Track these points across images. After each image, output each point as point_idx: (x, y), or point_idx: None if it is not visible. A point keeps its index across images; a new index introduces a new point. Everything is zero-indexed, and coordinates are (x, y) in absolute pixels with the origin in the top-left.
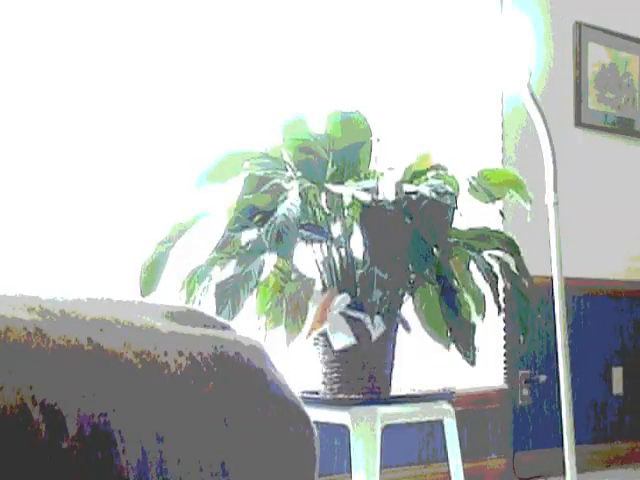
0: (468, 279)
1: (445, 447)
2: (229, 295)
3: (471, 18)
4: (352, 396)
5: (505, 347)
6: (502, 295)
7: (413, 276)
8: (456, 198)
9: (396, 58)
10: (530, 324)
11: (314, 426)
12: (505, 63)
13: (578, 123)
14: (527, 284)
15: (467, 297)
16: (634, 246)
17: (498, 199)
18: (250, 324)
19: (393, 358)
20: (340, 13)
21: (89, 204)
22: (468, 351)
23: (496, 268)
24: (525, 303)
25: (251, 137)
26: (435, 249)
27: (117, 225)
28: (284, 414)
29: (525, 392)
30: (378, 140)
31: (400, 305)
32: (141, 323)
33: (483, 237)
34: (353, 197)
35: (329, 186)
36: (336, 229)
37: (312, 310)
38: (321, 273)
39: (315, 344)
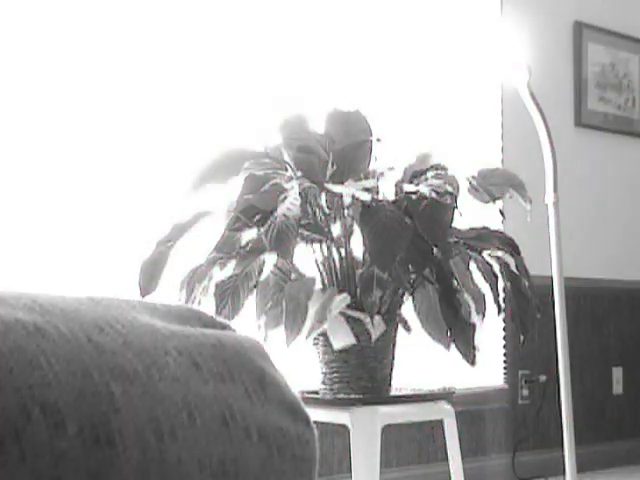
0: (468, 279)
1: (445, 447)
2: (229, 295)
3: (471, 18)
4: (352, 396)
5: (505, 347)
6: (502, 295)
7: (413, 276)
8: (456, 198)
9: (396, 58)
10: (530, 324)
11: (314, 426)
12: (505, 63)
13: (578, 123)
14: (527, 284)
15: (467, 297)
16: (634, 246)
17: (498, 199)
18: (250, 324)
19: (393, 358)
20: (340, 12)
21: (89, 204)
22: (468, 351)
23: (496, 268)
24: (525, 303)
25: (251, 137)
26: (435, 249)
27: (117, 225)
28: (284, 414)
29: (525, 392)
30: (378, 140)
31: (400, 305)
32: (141, 323)
33: (483, 237)
34: (353, 197)
35: (329, 186)
36: (336, 229)
37: (312, 310)
38: (321, 273)
39: (315, 344)
